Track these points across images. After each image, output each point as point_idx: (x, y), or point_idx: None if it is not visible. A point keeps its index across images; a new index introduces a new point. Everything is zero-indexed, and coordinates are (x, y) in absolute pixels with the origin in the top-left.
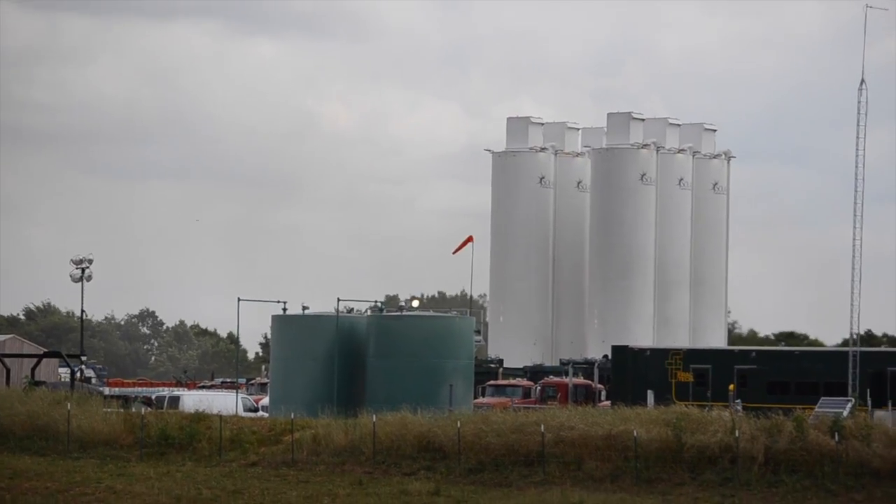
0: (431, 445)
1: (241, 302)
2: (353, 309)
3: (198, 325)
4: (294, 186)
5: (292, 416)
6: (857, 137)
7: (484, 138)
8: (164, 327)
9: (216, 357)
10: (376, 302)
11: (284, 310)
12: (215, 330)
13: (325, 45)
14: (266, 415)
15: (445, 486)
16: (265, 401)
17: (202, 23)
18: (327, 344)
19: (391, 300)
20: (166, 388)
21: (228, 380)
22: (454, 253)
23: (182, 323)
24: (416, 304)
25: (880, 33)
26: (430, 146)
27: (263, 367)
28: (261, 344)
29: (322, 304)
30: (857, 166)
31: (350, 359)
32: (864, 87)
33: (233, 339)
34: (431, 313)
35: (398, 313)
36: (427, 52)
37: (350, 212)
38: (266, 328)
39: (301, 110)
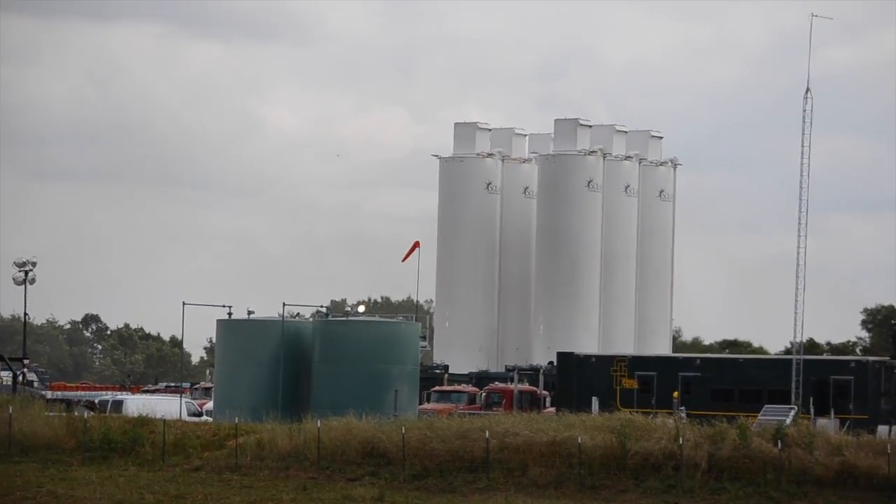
0: (376, 451)
1: (185, 306)
2: (298, 314)
3: (142, 329)
4: (239, 190)
5: (237, 420)
6: (802, 146)
7: (431, 143)
8: (108, 331)
9: (161, 361)
10: (322, 307)
11: (229, 314)
12: (158, 334)
13: (271, 48)
14: (210, 419)
15: (390, 491)
16: (209, 405)
17: (146, 24)
18: (272, 349)
19: (337, 305)
20: (110, 392)
21: (173, 384)
22: (403, 261)
23: (127, 326)
24: (361, 309)
25: (825, 42)
26: (377, 151)
27: (208, 371)
28: (205, 348)
29: (267, 309)
30: (801, 174)
31: (295, 364)
32: (809, 95)
33: (176, 343)
34: (377, 318)
35: (344, 318)
36: (373, 56)
37: (296, 216)
38: (211, 332)
39: (246, 113)
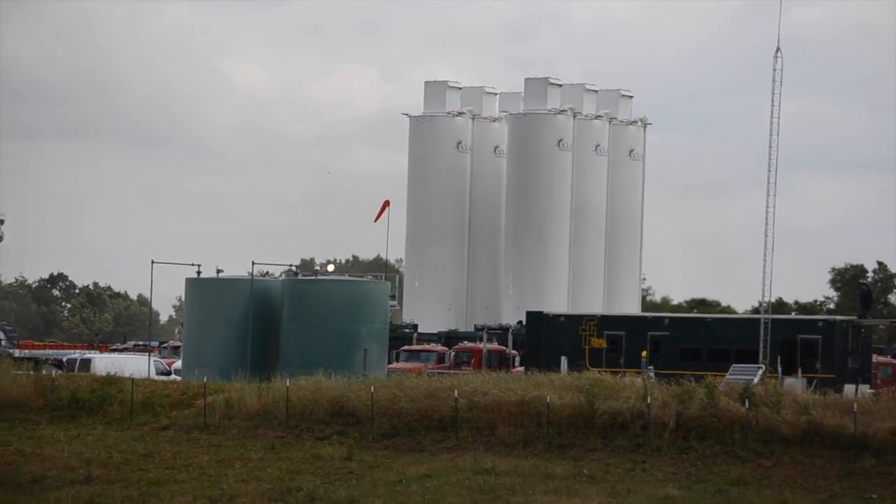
0: (345, 410)
1: (154, 265)
2: (267, 273)
3: (110, 288)
4: (209, 149)
5: (205, 379)
6: (772, 106)
7: (401, 102)
8: (77, 290)
9: (130, 320)
10: (291, 266)
11: (198, 273)
12: (126, 293)
13: (241, 6)
14: (179, 378)
15: (358, 450)
16: (178, 364)
17: None
18: (241, 308)
19: (307, 264)
20: (78, 351)
21: (141, 343)
22: (375, 221)
23: (95, 285)
24: (331, 268)
25: (796, 2)
26: (347, 110)
27: (177, 330)
28: (174, 307)
29: (236, 268)
30: (770, 134)
31: (264, 323)
32: (779, 55)
33: (145, 302)
34: (346, 278)
35: (313, 277)
36: (343, 15)
37: (265, 175)
38: (180, 291)
39: (216, 72)
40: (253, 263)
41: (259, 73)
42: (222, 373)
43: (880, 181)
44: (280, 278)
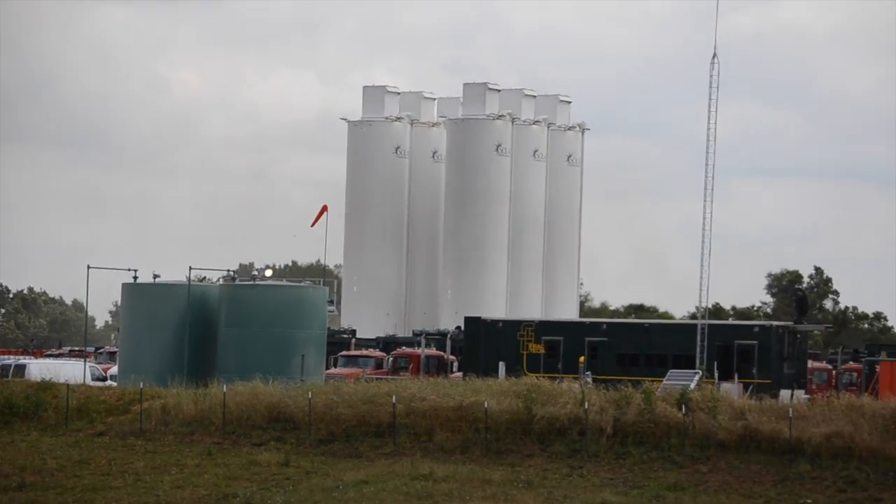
0: (282, 416)
1: (90, 270)
2: (204, 278)
3: (45, 293)
4: (145, 152)
5: (141, 385)
6: (709, 111)
7: (339, 107)
8: (11, 294)
9: (65, 325)
10: (229, 271)
11: (135, 278)
12: (61, 298)
13: (176, 9)
14: (114, 384)
15: (295, 456)
16: (114, 370)
17: None
18: (178, 313)
19: (244, 269)
20: (12, 357)
21: (77, 348)
22: (312, 226)
23: (30, 290)
24: (269, 273)
25: (732, 8)
26: (285, 113)
27: (113, 335)
28: (110, 312)
29: (174, 273)
30: (708, 140)
31: (201, 328)
32: (715, 60)
33: (80, 307)
34: (284, 283)
35: (251, 283)
36: (280, 19)
37: (203, 179)
38: (116, 296)
39: (152, 75)
40: (190, 269)
41: (195, 76)
42: (159, 379)
43: (817, 188)
44: (217, 283)
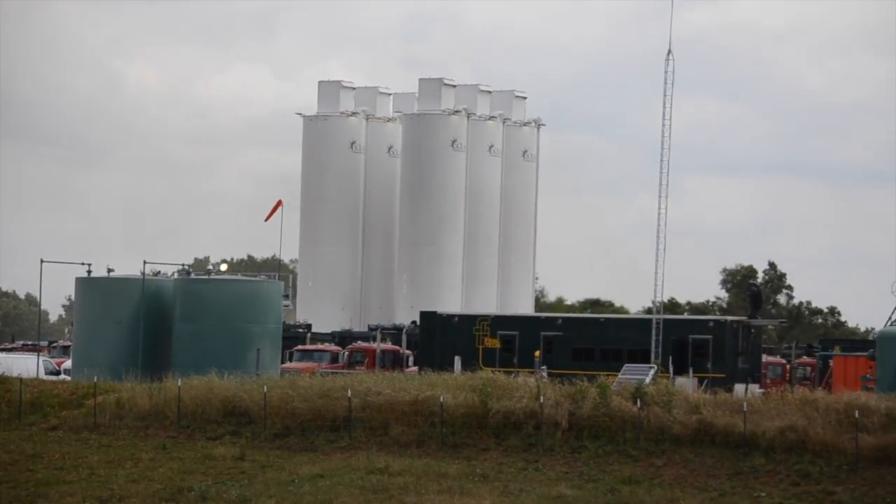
0: (237, 410)
1: (43, 263)
2: (159, 272)
3: None
4: (100, 147)
5: (95, 379)
6: (664, 107)
7: (294, 102)
8: None
9: (18, 319)
10: (183, 265)
11: (89, 272)
12: (14, 291)
13: (132, 4)
14: (68, 378)
15: (251, 450)
16: (68, 364)
17: None
18: (132, 307)
19: (199, 263)
20: None
21: (30, 342)
22: (266, 220)
23: None
24: (224, 267)
25: (688, 4)
26: (240, 108)
27: (67, 329)
28: (64, 306)
29: (128, 267)
30: (663, 136)
31: (156, 322)
32: (670, 57)
33: (33, 301)
34: (239, 277)
35: (206, 277)
36: (235, 13)
37: (157, 173)
38: (70, 290)
39: (106, 70)
40: (144, 262)
41: (150, 71)
42: (113, 373)
43: (770, 183)
44: (172, 278)
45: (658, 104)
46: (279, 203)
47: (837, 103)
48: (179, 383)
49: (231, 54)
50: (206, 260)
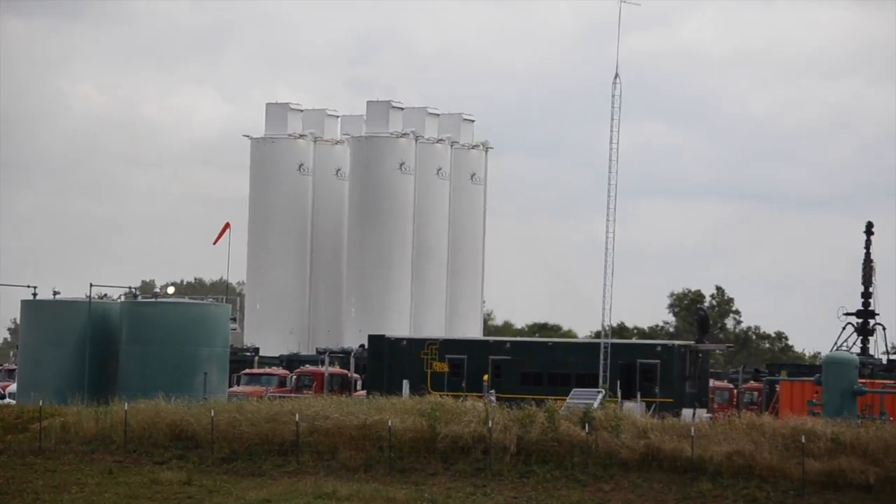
0: (184, 434)
1: None
2: (105, 295)
3: None
4: (45, 169)
5: (41, 403)
6: (611, 131)
7: (241, 124)
8: None
9: None
10: (130, 288)
11: (34, 295)
12: None
13: (79, 25)
14: (13, 402)
15: (197, 475)
16: (12, 387)
17: None
18: (79, 330)
19: (147, 286)
20: None
21: None
22: (214, 243)
23: None
24: (171, 290)
25: (635, 28)
26: (187, 130)
27: (12, 353)
28: (9, 329)
29: (74, 290)
30: (610, 160)
31: (102, 345)
32: (617, 80)
33: None
34: (186, 300)
35: (152, 300)
36: (181, 35)
37: (104, 196)
38: (15, 313)
39: (52, 92)
40: (91, 285)
41: (96, 92)
42: (59, 396)
43: (718, 208)
44: (119, 301)
45: (605, 128)
46: (227, 225)
47: (782, 128)
48: (126, 407)
49: (177, 76)
50: (153, 283)
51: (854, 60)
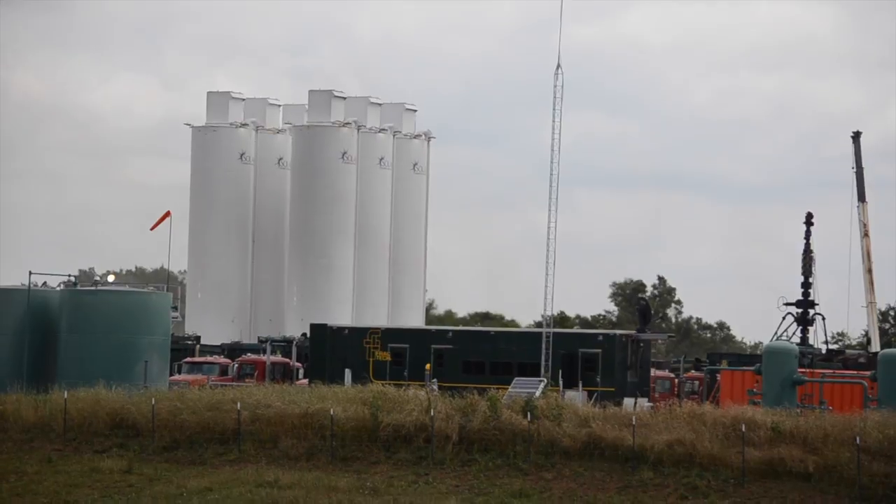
0: (125, 423)
1: None
2: (45, 283)
3: None
4: None
5: None
6: (553, 121)
7: (182, 112)
8: None
9: None
10: (70, 276)
11: None
12: None
13: (15, 11)
14: None
15: (138, 463)
16: None
17: None
18: (17, 319)
19: (86, 275)
20: None
21: None
22: (152, 229)
23: None
24: (111, 278)
25: (576, 19)
26: (126, 119)
27: None
28: None
29: (12, 278)
30: (552, 150)
31: (42, 334)
32: (559, 71)
33: None
34: (127, 288)
35: (92, 288)
36: (121, 24)
37: (42, 184)
38: None
39: None
40: (30, 273)
41: (34, 80)
42: None
43: (658, 198)
44: (58, 289)
45: (547, 118)
46: (167, 213)
47: (723, 119)
48: (66, 395)
49: (117, 64)
50: (93, 271)
51: (793, 52)
